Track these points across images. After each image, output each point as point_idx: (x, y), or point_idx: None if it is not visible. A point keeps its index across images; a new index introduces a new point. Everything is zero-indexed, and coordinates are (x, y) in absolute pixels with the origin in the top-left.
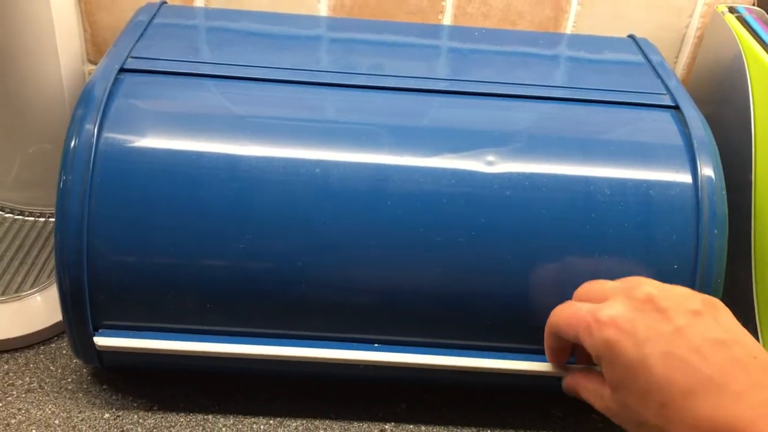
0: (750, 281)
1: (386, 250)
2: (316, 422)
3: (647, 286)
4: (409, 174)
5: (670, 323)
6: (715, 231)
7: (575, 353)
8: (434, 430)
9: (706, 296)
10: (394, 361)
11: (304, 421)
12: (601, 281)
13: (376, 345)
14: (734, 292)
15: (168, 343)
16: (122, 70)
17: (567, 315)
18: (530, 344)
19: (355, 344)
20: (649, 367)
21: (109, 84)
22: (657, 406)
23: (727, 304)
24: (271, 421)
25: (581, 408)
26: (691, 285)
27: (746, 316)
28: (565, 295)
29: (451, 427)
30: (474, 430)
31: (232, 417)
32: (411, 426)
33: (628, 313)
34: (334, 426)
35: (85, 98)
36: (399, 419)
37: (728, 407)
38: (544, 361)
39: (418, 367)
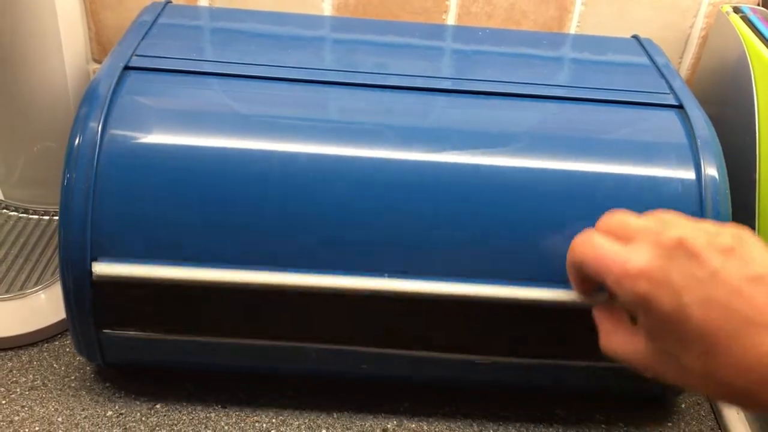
0: None
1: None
2: (319, 421)
3: (675, 228)
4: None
5: (705, 268)
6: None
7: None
8: (436, 429)
9: (732, 228)
10: (412, 290)
11: (307, 420)
12: (625, 214)
13: (386, 275)
14: None
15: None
16: (127, 68)
17: (591, 255)
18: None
19: (365, 273)
20: (689, 316)
21: (114, 82)
22: (701, 353)
23: None
24: (274, 420)
25: (584, 407)
26: None
27: None
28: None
29: (453, 426)
30: (476, 429)
31: (234, 415)
32: (413, 425)
33: (658, 261)
34: (336, 425)
35: (89, 96)
36: (401, 418)
37: None
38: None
39: (431, 297)
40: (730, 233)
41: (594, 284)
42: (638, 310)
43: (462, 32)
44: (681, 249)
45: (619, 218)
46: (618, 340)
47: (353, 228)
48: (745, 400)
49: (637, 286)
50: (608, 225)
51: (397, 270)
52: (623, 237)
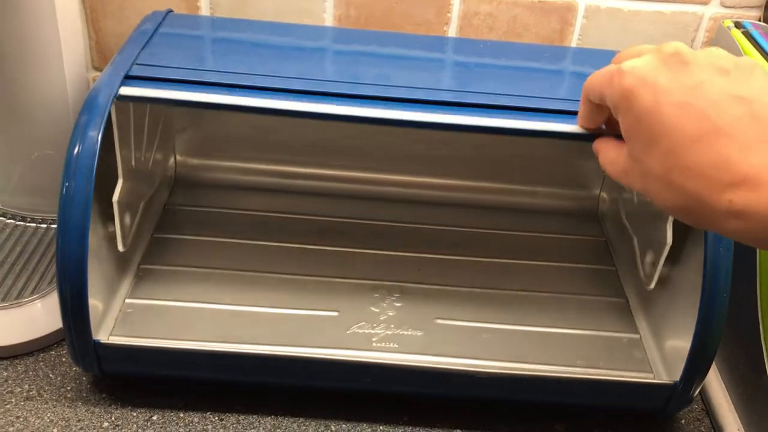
0: (755, 297)
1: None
2: None
3: (678, 43)
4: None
5: (692, 77)
6: (721, 249)
7: (606, 125)
8: None
9: (745, 59)
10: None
11: None
12: (640, 45)
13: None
14: (739, 309)
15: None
16: (127, 77)
17: (597, 74)
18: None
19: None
20: (662, 114)
21: (114, 91)
22: (663, 153)
23: (731, 319)
24: None
25: (583, 423)
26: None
27: (751, 323)
28: None
29: None
30: None
31: (231, 427)
32: None
33: (651, 63)
34: None
35: (89, 105)
36: None
37: (733, 156)
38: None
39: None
40: (735, 61)
41: (599, 120)
42: (621, 107)
43: (463, 44)
44: (675, 57)
45: (636, 47)
46: (608, 153)
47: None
48: (692, 207)
49: (625, 81)
50: (622, 53)
51: None
52: (634, 56)
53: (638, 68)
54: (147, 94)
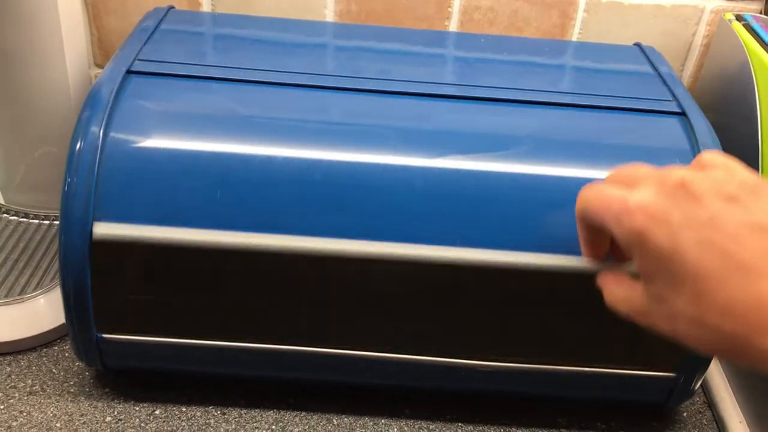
0: None
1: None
2: (319, 428)
3: (680, 172)
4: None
5: (705, 210)
6: None
7: (612, 248)
8: None
9: (747, 177)
10: (417, 254)
11: (307, 426)
12: (633, 165)
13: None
14: None
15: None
16: (129, 72)
17: (595, 198)
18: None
19: (364, 238)
20: (683, 255)
21: (116, 86)
22: (692, 295)
23: None
24: (273, 426)
25: (586, 416)
26: None
27: None
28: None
29: None
30: None
31: (233, 421)
32: None
33: (659, 199)
34: (336, 431)
35: (91, 100)
36: (402, 427)
37: (764, 289)
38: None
39: (438, 262)
40: (739, 182)
41: (604, 248)
42: (634, 248)
43: (464, 39)
44: (683, 190)
45: (627, 168)
46: (619, 292)
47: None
48: (731, 348)
49: (635, 221)
50: (617, 176)
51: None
52: (630, 184)
53: (647, 206)
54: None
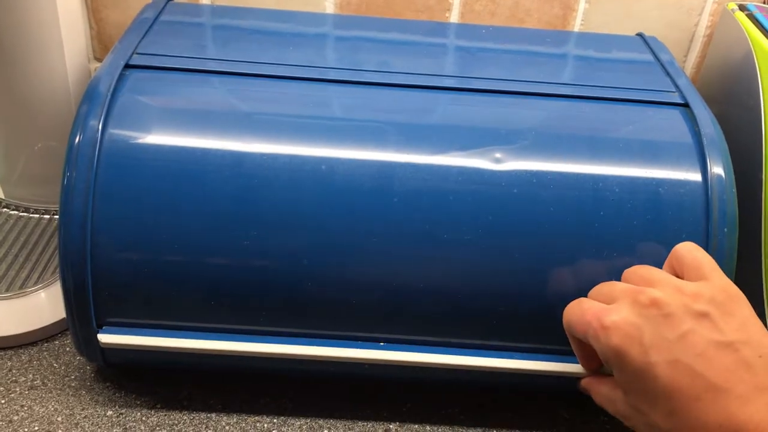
0: (760, 280)
1: (392, 247)
2: (320, 421)
3: (652, 291)
4: (416, 171)
5: (675, 329)
6: (725, 230)
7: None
8: (439, 430)
9: (719, 290)
10: (401, 360)
11: (308, 420)
12: (612, 282)
13: (381, 344)
14: (744, 291)
15: (171, 341)
16: (127, 66)
17: (576, 315)
18: (543, 344)
19: (360, 343)
20: (656, 374)
21: (114, 80)
22: (666, 413)
23: None
24: (275, 420)
25: (588, 409)
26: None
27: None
28: (573, 294)
29: (456, 428)
30: (480, 430)
31: (235, 415)
32: (416, 426)
33: (632, 318)
34: (338, 425)
35: (89, 94)
36: (404, 419)
37: (734, 412)
38: (557, 361)
39: (426, 366)
40: (710, 297)
41: (598, 363)
42: (612, 364)
43: (465, 30)
44: (655, 309)
45: (606, 285)
46: (602, 392)
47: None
48: None
49: (611, 340)
50: (597, 292)
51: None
52: (609, 299)
53: (621, 326)
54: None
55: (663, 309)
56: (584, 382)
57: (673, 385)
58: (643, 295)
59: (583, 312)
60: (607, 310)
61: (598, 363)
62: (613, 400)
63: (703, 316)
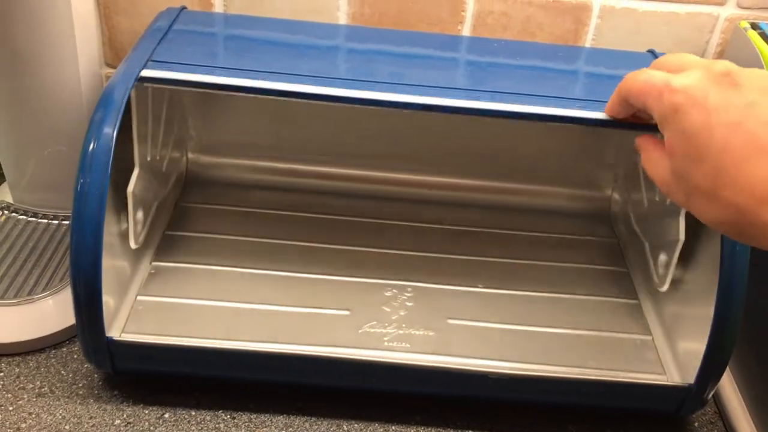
0: None
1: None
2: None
3: (728, 62)
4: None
5: (743, 98)
6: (737, 247)
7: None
8: None
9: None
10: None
11: (316, 431)
12: (681, 54)
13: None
14: (753, 305)
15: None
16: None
17: (640, 80)
18: None
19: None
20: (712, 133)
21: (129, 87)
22: (712, 170)
23: (744, 319)
24: (283, 431)
25: (596, 424)
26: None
27: (766, 324)
28: None
29: None
30: None
31: (243, 425)
32: None
33: (702, 83)
34: None
35: (104, 101)
36: (413, 431)
37: None
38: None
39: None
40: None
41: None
42: (668, 123)
43: (477, 43)
44: (727, 77)
45: (674, 56)
46: (651, 157)
47: None
48: (738, 221)
49: (675, 98)
50: (664, 62)
51: None
52: (675, 70)
53: (689, 87)
54: (167, 76)
55: (735, 78)
56: (640, 139)
57: (728, 143)
58: (717, 65)
59: (648, 77)
60: (677, 75)
61: (627, 115)
62: (659, 165)
63: None
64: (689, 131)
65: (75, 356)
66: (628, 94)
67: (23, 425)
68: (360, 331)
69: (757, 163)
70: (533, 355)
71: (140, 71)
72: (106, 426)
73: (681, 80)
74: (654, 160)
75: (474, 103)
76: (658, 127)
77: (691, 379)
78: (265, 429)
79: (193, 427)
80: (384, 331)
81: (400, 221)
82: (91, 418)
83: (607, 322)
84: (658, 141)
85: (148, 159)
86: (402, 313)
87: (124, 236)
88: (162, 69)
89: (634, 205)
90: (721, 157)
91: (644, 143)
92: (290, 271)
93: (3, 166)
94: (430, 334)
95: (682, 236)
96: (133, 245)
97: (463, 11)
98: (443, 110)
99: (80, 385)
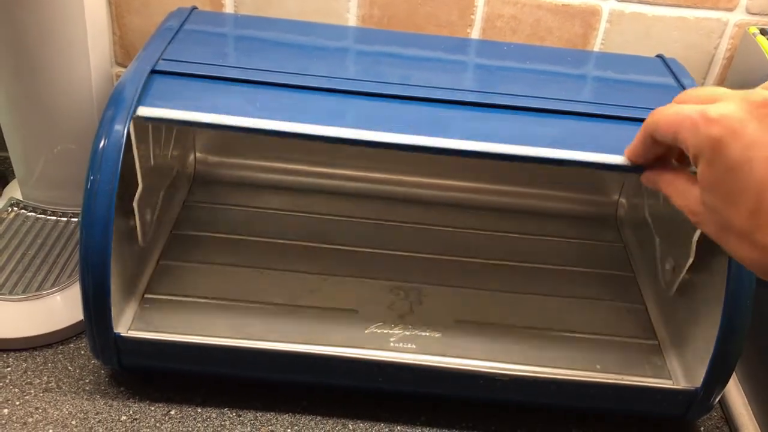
0: None
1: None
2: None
3: (764, 92)
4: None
5: None
6: None
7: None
8: None
9: None
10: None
11: (321, 430)
12: (711, 87)
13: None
14: (760, 310)
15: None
16: (153, 72)
17: (671, 113)
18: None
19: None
20: (751, 169)
21: (140, 86)
22: (750, 210)
23: (751, 324)
24: (288, 429)
25: (600, 427)
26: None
27: None
28: None
29: None
30: None
31: (248, 423)
32: None
33: (741, 114)
34: None
35: (115, 99)
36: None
37: None
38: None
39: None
40: None
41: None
42: (704, 156)
43: (487, 46)
44: (766, 108)
45: (704, 89)
46: (677, 187)
47: None
48: None
49: (712, 130)
50: (692, 96)
51: None
52: (708, 101)
53: (727, 117)
54: (166, 116)
55: None
56: (651, 173)
57: (765, 183)
58: (755, 94)
59: (680, 110)
60: (713, 105)
61: (652, 159)
62: (686, 195)
63: None
64: (728, 165)
65: (82, 352)
66: (656, 128)
67: (30, 420)
68: (366, 331)
69: None
70: (539, 358)
71: (151, 69)
72: (112, 421)
73: (718, 110)
74: (681, 190)
75: (492, 146)
76: (691, 160)
77: (697, 383)
78: (270, 427)
79: (198, 425)
80: (390, 331)
81: (408, 223)
82: (97, 413)
83: (613, 325)
84: (673, 170)
85: (152, 162)
86: (408, 314)
87: (131, 234)
88: (172, 68)
89: (649, 204)
90: (760, 196)
91: (658, 175)
92: (297, 270)
93: (13, 163)
94: (437, 335)
95: (692, 256)
96: (141, 243)
97: (472, 14)
98: (458, 154)
99: (87, 380)
